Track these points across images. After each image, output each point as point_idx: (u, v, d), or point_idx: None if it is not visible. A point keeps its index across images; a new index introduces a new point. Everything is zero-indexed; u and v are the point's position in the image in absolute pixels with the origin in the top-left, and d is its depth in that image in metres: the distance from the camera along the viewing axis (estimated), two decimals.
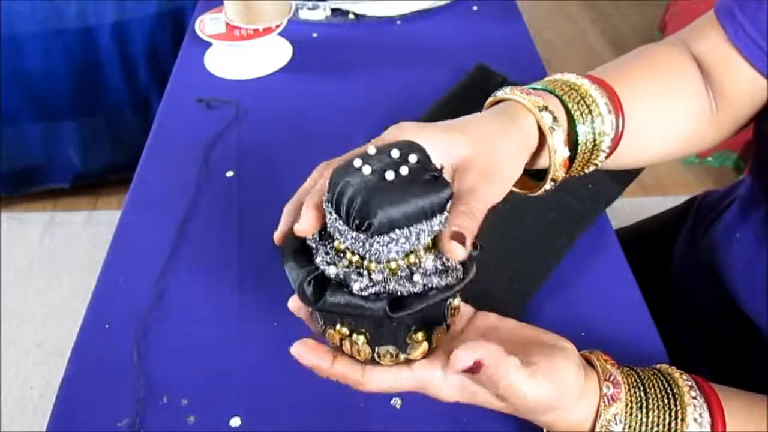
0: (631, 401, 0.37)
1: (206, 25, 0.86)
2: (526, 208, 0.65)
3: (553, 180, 0.43)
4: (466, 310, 0.42)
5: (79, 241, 1.65)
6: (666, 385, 0.38)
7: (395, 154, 0.33)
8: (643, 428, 0.37)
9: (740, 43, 0.46)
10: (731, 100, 0.49)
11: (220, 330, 0.56)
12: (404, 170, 0.32)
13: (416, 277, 0.33)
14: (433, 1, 0.98)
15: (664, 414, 0.37)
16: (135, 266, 0.62)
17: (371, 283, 0.32)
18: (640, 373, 0.39)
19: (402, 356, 0.35)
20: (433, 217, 0.32)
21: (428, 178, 0.32)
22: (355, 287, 0.32)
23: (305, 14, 0.96)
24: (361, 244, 0.32)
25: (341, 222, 0.32)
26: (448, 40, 0.93)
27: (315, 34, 0.95)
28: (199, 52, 0.89)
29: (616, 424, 0.37)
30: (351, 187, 0.31)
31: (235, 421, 0.50)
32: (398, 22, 0.97)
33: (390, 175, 0.31)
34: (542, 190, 0.44)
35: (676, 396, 0.37)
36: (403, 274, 0.33)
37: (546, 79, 0.46)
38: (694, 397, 0.37)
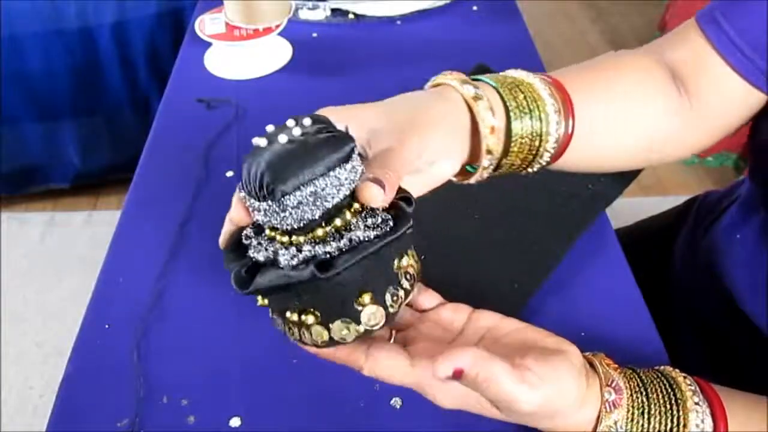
0: (632, 407, 0.37)
1: (206, 25, 0.86)
2: (527, 208, 0.65)
3: (489, 152, 0.41)
4: (464, 308, 0.42)
5: (79, 241, 1.65)
6: (669, 390, 0.38)
7: (291, 123, 0.33)
8: None
9: (725, 50, 0.46)
10: (712, 105, 0.49)
11: (220, 330, 0.56)
12: (297, 131, 0.32)
13: (344, 237, 0.32)
14: (433, 1, 0.98)
15: (666, 420, 0.37)
16: (135, 266, 0.62)
17: (298, 253, 0.32)
18: (643, 377, 0.39)
19: (360, 327, 0.34)
20: (337, 168, 0.32)
21: (326, 136, 0.32)
22: (283, 261, 0.32)
23: (305, 14, 0.96)
24: (276, 214, 0.32)
25: (254, 200, 0.32)
26: (448, 40, 0.93)
27: (315, 34, 0.95)
28: (199, 52, 0.89)
29: (617, 430, 0.37)
30: (252, 163, 0.32)
31: (235, 421, 0.50)
32: (398, 22, 0.97)
33: (282, 139, 0.31)
34: (483, 169, 0.42)
35: (679, 401, 0.37)
36: (332, 238, 0.32)
37: (500, 73, 0.45)
38: (697, 403, 0.37)
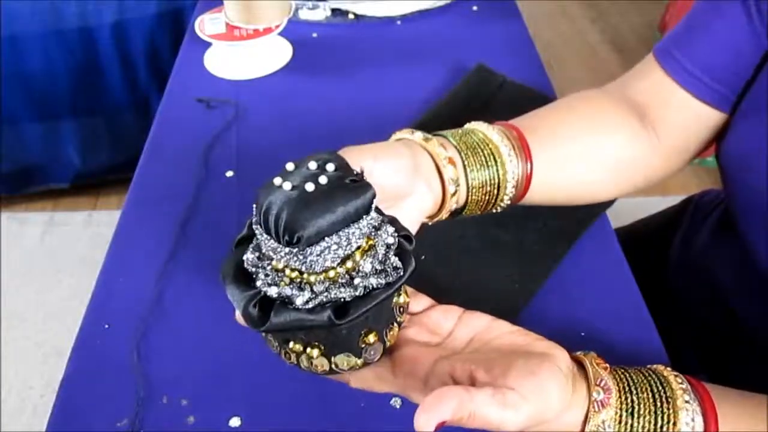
0: (621, 408, 0.37)
1: (206, 25, 0.87)
2: (527, 209, 0.65)
3: (452, 180, 0.45)
4: (455, 309, 0.42)
5: (79, 241, 1.65)
6: (659, 388, 0.38)
7: (312, 166, 0.34)
8: None
9: (680, 78, 0.52)
10: (675, 130, 0.53)
11: (220, 330, 0.56)
12: (323, 179, 0.33)
13: (356, 281, 0.33)
14: (433, 1, 0.98)
15: (656, 418, 0.37)
16: (135, 266, 0.62)
17: (313, 295, 0.33)
18: (633, 376, 0.39)
19: (359, 361, 0.36)
20: (360, 220, 0.33)
21: (348, 182, 0.33)
22: (298, 302, 0.33)
23: (305, 14, 0.96)
24: (295, 258, 0.32)
25: (273, 241, 0.33)
26: (448, 40, 0.93)
27: (315, 34, 0.95)
28: (198, 52, 0.89)
29: (605, 430, 0.36)
30: (275, 204, 0.32)
31: (235, 421, 0.50)
32: (398, 22, 0.97)
33: (310, 187, 0.32)
34: (450, 196, 0.46)
35: (669, 399, 0.37)
36: (343, 281, 0.33)
37: (457, 129, 0.50)
38: (687, 401, 0.37)
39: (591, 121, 0.53)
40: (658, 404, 0.37)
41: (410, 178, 0.43)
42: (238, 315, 0.36)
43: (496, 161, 0.47)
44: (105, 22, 1.41)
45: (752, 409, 0.39)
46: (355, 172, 0.35)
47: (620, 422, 0.37)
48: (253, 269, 0.35)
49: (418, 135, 0.46)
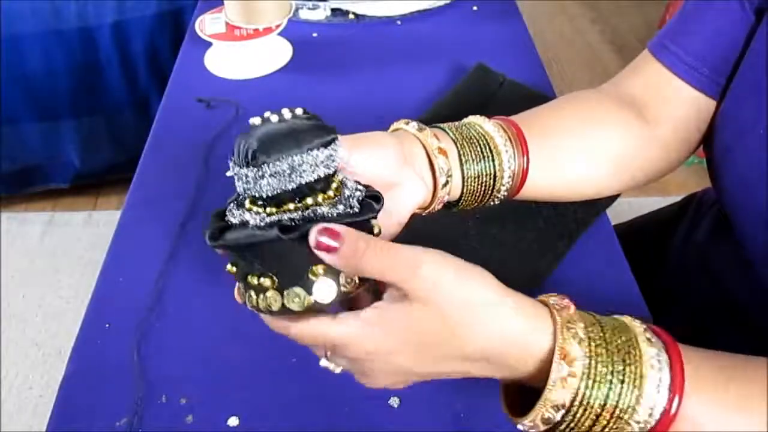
0: (583, 318, 0.36)
1: (206, 25, 0.87)
2: (528, 208, 0.65)
3: (442, 171, 0.45)
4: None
5: (79, 241, 1.65)
6: (623, 328, 0.36)
7: (285, 111, 0.37)
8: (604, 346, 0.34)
9: (675, 68, 0.52)
10: (675, 124, 0.53)
11: (220, 330, 0.56)
12: (287, 114, 0.37)
13: (310, 211, 0.36)
14: (433, 1, 0.98)
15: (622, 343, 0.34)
16: (135, 266, 0.62)
17: (266, 217, 0.36)
18: (595, 315, 0.38)
19: (311, 298, 0.36)
20: (316, 150, 0.35)
21: (313, 123, 0.37)
22: (251, 222, 0.36)
23: (305, 14, 0.96)
24: (255, 181, 0.35)
25: (237, 167, 0.36)
26: (448, 40, 0.93)
27: (315, 34, 0.95)
28: (199, 52, 0.89)
29: (574, 323, 0.34)
30: (245, 136, 0.36)
31: (233, 421, 0.50)
32: (398, 22, 0.97)
33: (274, 118, 0.36)
34: (441, 187, 0.45)
35: (630, 332, 0.35)
36: (299, 209, 0.36)
37: (455, 122, 0.49)
38: (649, 338, 0.35)
39: (588, 117, 0.54)
40: (623, 339, 0.35)
41: (396, 169, 0.43)
42: (236, 290, 0.38)
43: (491, 152, 0.47)
44: (105, 22, 1.41)
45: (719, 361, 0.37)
46: (320, 120, 0.38)
47: (590, 344, 0.34)
48: (229, 213, 0.38)
49: (413, 125, 0.46)
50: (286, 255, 0.35)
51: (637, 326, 0.36)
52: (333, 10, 0.97)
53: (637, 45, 2.26)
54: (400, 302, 0.34)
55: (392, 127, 0.48)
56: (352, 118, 0.79)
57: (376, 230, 0.38)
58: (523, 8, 1.01)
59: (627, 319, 0.37)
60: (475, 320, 0.34)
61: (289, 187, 0.35)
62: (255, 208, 0.36)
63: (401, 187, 0.43)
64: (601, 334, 0.35)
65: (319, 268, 0.35)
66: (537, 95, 0.79)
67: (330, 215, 0.36)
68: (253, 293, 0.37)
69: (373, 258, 0.33)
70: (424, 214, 0.48)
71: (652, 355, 0.34)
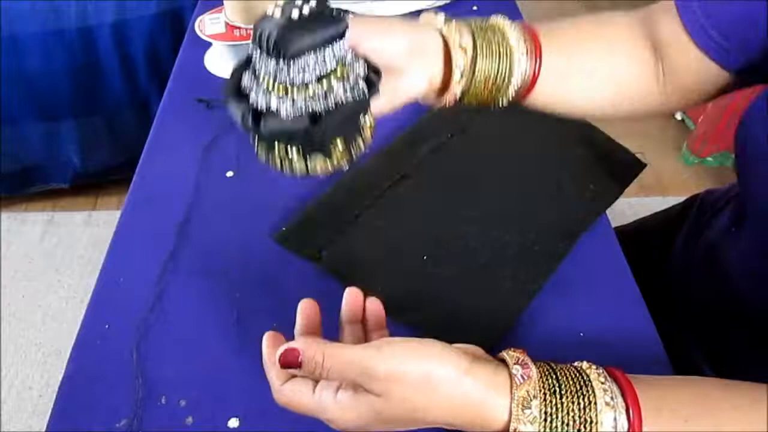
0: (543, 382, 0.37)
1: (206, 25, 0.86)
2: (528, 209, 0.65)
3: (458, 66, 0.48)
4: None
5: (79, 241, 1.65)
6: (577, 374, 0.37)
7: (299, 2, 0.42)
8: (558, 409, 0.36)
9: (693, 31, 0.51)
10: (681, 74, 0.53)
11: (219, 331, 0.56)
12: (306, 10, 0.41)
13: (329, 98, 0.42)
14: (433, 1, 0.98)
15: (577, 399, 0.36)
16: (135, 266, 0.62)
17: (294, 106, 0.42)
18: (553, 366, 0.39)
19: (329, 163, 0.45)
20: (333, 43, 0.41)
21: (326, 14, 0.42)
22: (283, 112, 0.42)
23: None
24: (281, 71, 0.41)
25: (264, 56, 0.41)
26: None
27: None
28: (199, 52, 0.89)
29: (530, 400, 0.36)
30: (267, 28, 0.40)
31: (233, 422, 0.50)
32: None
33: (295, 14, 0.41)
34: (455, 83, 0.48)
35: (587, 383, 0.37)
36: (320, 97, 0.42)
37: (481, 20, 0.52)
38: (603, 382, 0.36)
39: (607, 40, 0.55)
40: (578, 386, 0.36)
41: (404, 58, 0.46)
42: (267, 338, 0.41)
43: (506, 51, 0.49)
44: (105, 22, 1.41)
45: (674, 389, 0.39)
46: (332, 8, 0.43)
47: (544, 389, 0.36)
48: (249, 85, 0.43)
49: (441, 17, 0.49)
50: (312, 135, 0.43)
51: (599, 394, 0.36)
52: None
53: None
54: (364, 396, 0.37)
55: (421, 17, 0.51)
56: None
57: (368, 133, 0.47)
58: (523, 8, 1.01)
59: (593, 380, 0.37)
60: (434, 399, 0.37)
61: (312, 79, 0.41)
62: (277, 91, 0.41)
63: (404, 75, 0.46)
64: (560, 405, 0.36)
65: (339, 141, 0.44)
66: None
67: (348, 100, 0.42)
68: (278, 159, 0.45)
69: (331, 367, 0.37)
70: (435, 107, 0.51)
71: (609, 424, 0.35)
